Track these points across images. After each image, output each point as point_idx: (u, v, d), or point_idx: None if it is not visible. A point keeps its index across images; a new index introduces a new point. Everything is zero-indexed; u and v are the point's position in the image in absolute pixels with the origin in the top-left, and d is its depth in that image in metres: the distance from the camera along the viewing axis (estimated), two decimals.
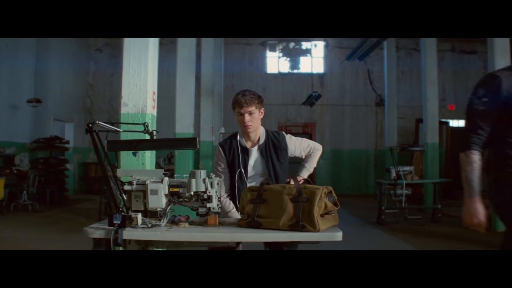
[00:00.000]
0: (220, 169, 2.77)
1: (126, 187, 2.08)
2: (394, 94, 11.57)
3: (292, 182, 2.27)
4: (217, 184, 2.11)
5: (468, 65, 13.39)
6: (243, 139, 2.77)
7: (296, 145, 2.79)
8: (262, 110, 2.75)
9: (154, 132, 2.20)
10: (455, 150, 11.95)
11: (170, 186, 2.07)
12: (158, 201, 2.04)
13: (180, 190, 2.07)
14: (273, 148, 2.74)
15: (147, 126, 2.20)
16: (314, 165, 2.84)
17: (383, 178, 7.75)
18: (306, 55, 13.37)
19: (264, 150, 2.76)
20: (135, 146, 2.16)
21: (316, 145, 2.85)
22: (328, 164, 13.02)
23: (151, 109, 3.51)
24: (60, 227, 6.72)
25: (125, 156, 3.36)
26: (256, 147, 2.76)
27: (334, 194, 2.08)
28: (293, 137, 2.84)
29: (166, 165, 11.70)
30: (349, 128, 13.18)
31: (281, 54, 13.31)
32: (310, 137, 12.98)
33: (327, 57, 13.26)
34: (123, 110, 3.42)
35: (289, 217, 1.99)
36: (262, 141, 2.77)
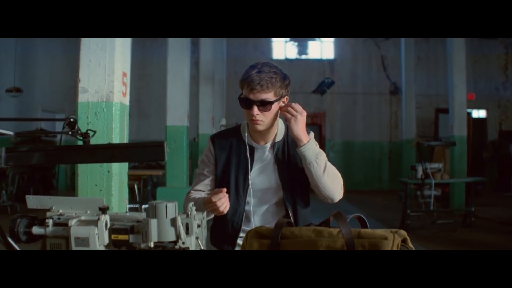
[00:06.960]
0: (205, 173, 1.85)
1: (36, 230, 1.16)
2: (412, 82, 10.57)
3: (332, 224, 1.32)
4: (198, 226, 1.19)
5: (488, 50, 12.42)
6: (249, 136, 1.82)
7: None
8: (285, 98, 1.78)
9: (90, 133, 1.27)
10: (477, 143, 10.97)
11: (112, 230, 1.14)
12: None
13: (131, 238, 1.15)
14: (294, 151, 1.75)
15: (75, 123, 1.26)
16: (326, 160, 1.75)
17: (403, 174, 6.86)
18: (315, 39, 12.33)
19: (282, 152, 1.79)
20: (59, 158, 1.24)
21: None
22: (339, 157, 12.05)
23: (121, 97, 2.58)
24: None
25: None
26: (268, 145, 1.81)
27: (410, 245, 1.16)
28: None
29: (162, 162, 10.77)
30: (361, 118, 12.18)
31: (288, 38, 12.28)
32: (319, 128, 12.05)
33: (338, 41, 12.22)
34: (82, 98, 2.48)
35: None
36: (279, 138, 1.82)
